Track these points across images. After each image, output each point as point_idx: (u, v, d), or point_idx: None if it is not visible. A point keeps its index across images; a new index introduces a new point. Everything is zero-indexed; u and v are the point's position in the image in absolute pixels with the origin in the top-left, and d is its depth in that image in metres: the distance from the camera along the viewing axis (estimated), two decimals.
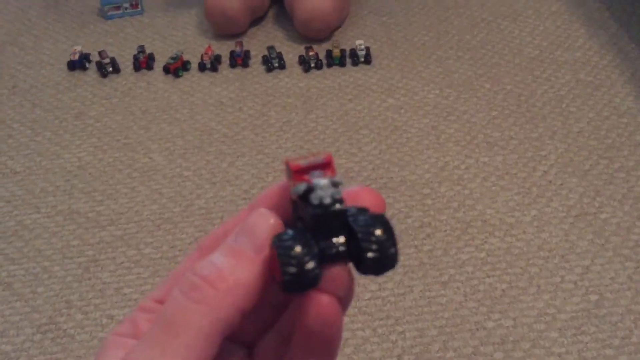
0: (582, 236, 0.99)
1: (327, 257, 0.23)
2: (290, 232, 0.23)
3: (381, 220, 0.24)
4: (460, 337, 0.87)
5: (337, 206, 0.23)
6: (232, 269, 0.23)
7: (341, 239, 0.24)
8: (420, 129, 1.19)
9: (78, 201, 1.09)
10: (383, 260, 0.24)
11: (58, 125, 1.24)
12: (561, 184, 1.08)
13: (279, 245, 0.23)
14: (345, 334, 0.88)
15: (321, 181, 0.24)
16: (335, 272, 0.23)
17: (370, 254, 0.23)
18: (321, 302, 0.23)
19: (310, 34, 1.38)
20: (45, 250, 1.02)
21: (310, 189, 0.23)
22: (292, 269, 0.22)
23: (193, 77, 1.34)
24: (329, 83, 1.30)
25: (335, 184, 0.24)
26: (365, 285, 0.94)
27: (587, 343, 0.85)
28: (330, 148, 1.16)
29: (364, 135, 1.18)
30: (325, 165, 0.24)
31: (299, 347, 0.24)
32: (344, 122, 1.21)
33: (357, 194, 0.25)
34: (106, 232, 1.04)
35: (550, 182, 1.08)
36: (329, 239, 0.23)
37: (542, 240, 0.99)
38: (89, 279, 0.98)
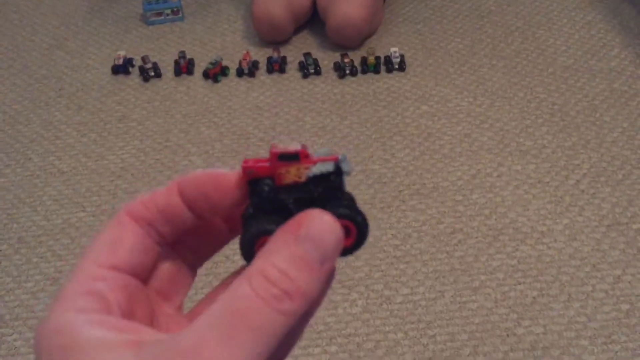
0: (614, 246, 1.00)
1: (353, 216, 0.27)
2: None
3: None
4: (491, 343, 0.89)
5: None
6: (307, 285, 0.23)
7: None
8: (453, 136, 1.21)
9: (121, 201, 1.14)
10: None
11: (102, 128, 1.29)
12: (594, 193, 1.09)
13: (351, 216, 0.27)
14: (377, 336, 0.90)
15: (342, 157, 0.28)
16: None
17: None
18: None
19: (341, 42, 1.41)
20: None
21: (336, 166, 0.27)
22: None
23: (231, 82, 1.37)
24: (364, 89, 1.33)
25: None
26: (397, 289, 0.96)
27: (617, 352, 0.87)
28: (363, 154, 1.18)
29: (397, 142, 1.21)
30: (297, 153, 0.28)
31: None
32: (377, 129, 1.24)
33: None
34: None
35: (582, 191, 1.09)
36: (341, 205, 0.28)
37: (574, 249, 1.00)
38: None
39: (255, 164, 0.27)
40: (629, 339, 0.88)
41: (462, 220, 1.05)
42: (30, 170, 1.21)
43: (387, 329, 0.91)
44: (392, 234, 1.04)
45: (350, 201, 0.28)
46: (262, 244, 0.25)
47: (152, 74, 1.39)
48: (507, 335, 0.89)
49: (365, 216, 0.27)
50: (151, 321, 0.27)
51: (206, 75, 1.38)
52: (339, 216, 0.26)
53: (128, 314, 0.25)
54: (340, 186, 0.28)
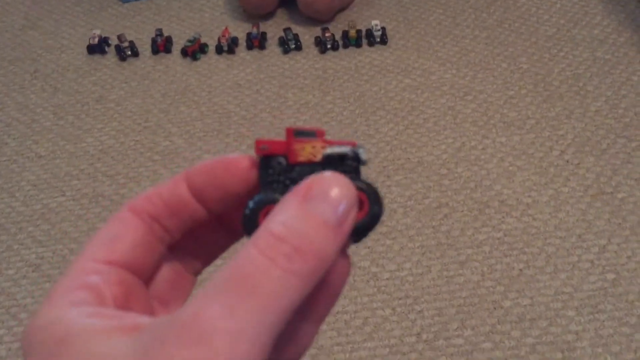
0: (599, 215, 1.00)
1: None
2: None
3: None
4: (478, 316, 0.89)
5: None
6: (321, 243, 0.21)
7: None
8: (437, 109, 1.20)
9: (102, 184, 1.12)
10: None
11: (80, 109, 1.26)
12: (578, 164, 1.08)
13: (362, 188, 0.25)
14: (364, 313, 0.90)
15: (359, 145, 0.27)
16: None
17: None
18: (349, 258, 0.24)
19: (313, 15, 1.38)
20: (71, 232, 1.05)
21: (354, 151, 0.26)
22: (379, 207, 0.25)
23: (210, 59, 1.35)
24: (345, 64, 1.31)
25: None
26: (383, 265, 0.95)
27: (603, 321, 0.87)
28: (347, 129, 1.17)
29: (381, 117, 1.19)
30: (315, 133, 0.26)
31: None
32: (360, 104, 1.22)
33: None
34: None
35: (567, 161, 1.09)
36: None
37: (559, 220, 1.00)
38: None
39: (269, 140, 0.25)
40: (615, 307, 0.88)
41: (448, 195, 1.05)
42: (7, 155, 1.19)
43: (375, 305, 0.91)
44: None
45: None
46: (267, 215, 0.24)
47: (129, 53, 1.36)
48: (495, 308, 0.90)
49: (381, 195, 0.26)
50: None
51: (184, 53, 1.35)
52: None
53: (124, 308, 0.23)
54: (356, 172, 0.26)
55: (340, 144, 0.26)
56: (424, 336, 0.87)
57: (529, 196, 1.04)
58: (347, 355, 0.86)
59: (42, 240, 1.04)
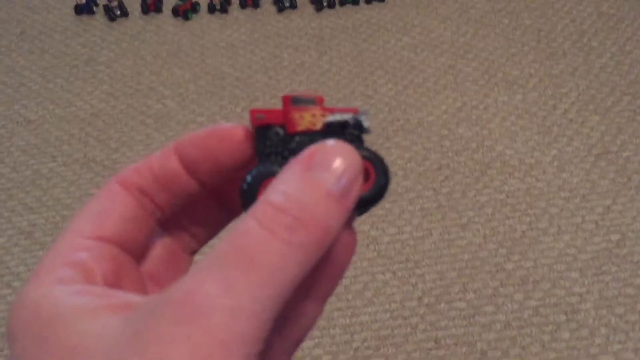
0: (604, 175, 0.98)
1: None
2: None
3: None
4: (480, 279, 0.87)
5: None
6: (324, 213, 0.19)
7: None
8: (437, 68, 1.16)
9: (93, 149, 1.09)
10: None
11: (69, 72, 1.22)
12: (582, 122, 1.06)
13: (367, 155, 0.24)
14: (365, 278, 0.88)
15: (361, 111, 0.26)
16: None
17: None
18: (354, 231, 0.23)
19: None
20: (63, 199, 1.02)
21: (355, 119, 0.24)
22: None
23: (202, 19, 1.30)
24: (342, 22, 1.27)
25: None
26: (384, 229, 0.94)
27: (608, 282, 0.86)
28: (344, 90, 1.14)
29: (379, 77, 1.16)
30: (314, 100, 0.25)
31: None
32: (358, 63, 1.19)
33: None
34: None
35: (571, 120, 1.06)
36: None
37: (563, 180, 0.98)
38: None
39: (265, 110, 0.24)
40: (620, 269, 0.87)
41: (449, 156, 1.02)
42: None
43: (375, 269, 0.89)
44: None
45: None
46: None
47: (118, 12, 1.31)
48: (497, 270, 0.88)
49: (387, 165, 0.24)
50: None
51: (176, 12, 1.30)
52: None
53: (115, 286, 0.22)
54: (358, 140, 0.24)
55: (341, 111, 0.24)
56: (426, 300, 0.86)
57: (532, 156, 1.01)
58: (348, 320, 0.84)
59: (34, 207, 1.02)
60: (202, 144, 0.23)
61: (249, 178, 0.23)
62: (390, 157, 1.03)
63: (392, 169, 1.01)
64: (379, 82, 1.15)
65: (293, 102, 0.24)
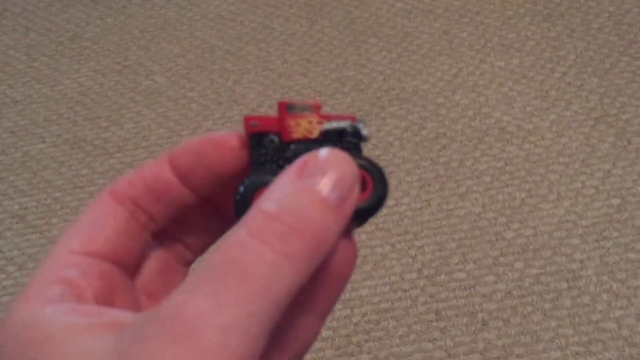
0: (604, 139, 0.96)
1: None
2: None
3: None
4: (480, 249, 0.86)
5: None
6: (320, 220, 0.18)
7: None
8: (431, 34, 1.14)
9: (83, 129, 1.07)
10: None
11: (54, 50, 1.19)
12: (581, 85, 1.03)
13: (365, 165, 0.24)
14: (363, 251, 0.87)
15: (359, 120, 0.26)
16: None
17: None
18: (354, 243, 0.22)
19: None
20: (54, 180, 1.01)
21: (353, 126, 0.24)
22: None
23: None
24: None
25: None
26: None
27: (609, 248, 0.85)
28: (337, 60, 1.11)
29: (373, 45, 1.13)
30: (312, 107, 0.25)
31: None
32: (351, 32, 1.16)
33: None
34: (114, 159, 1.02)
35: (569, 83, 1.04)
36: None
37: (562, 145, 0.96)
38: None
39: (260, 117, 0.24)
40: (621, 234, 0.86)
41: (445, 124, 1.00)
42: None
43: (374, 243, 0.88)
44: (372, 144, 0.99)
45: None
46: None
47: None
48: (497, 239, 0.87)
49: (386, 174, 0.25)
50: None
51: None
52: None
53: (106, 303, 0.21)
54: (356, 148, 0.24)
55: (338, 118, 0.24)
56: (425, 272, 0.85)
57: (530, 122, 0.99)
58: (348, 295, 0.83)
59: (25, 189, 1.00)
60: (196, 152, 0.22)
61: (241, 188, 0.22)
62: (386, 128, 1.01)
63: (388, 139, 0.99)
64: (372, 51, 1.12)
65: (288, 108, 0.24)
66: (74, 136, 1.06)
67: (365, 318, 0.81)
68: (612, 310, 0.79)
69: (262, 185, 0.22)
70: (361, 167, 0.23)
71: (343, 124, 0.24)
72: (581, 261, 0.84)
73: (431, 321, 0.80)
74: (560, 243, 0.86)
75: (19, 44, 1.21)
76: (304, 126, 0.23)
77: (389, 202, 0.92)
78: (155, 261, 0.24)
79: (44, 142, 1.06)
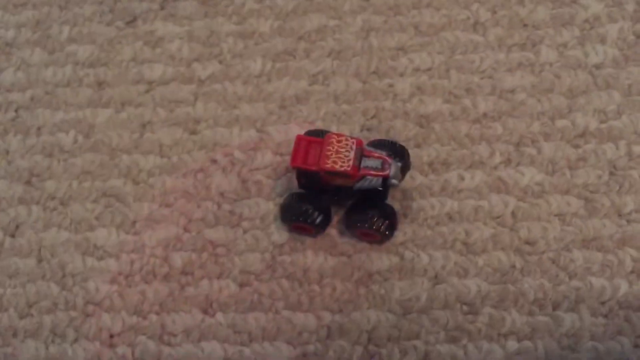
0: None
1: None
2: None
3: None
4: None
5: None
6: None
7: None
8: None
9: None
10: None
11: None
12: None
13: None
14: None
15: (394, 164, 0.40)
16: None
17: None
18: None
19: None
20: None
21: (385, 184, 0.39)
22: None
23: None
24: None
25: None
26: None
27: None
28: None
29: None
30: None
31: None
32: None
33: None
34: None
35: None
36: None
37: None
38: None
39: (303, 163, 0.40)
40: None
41: None
42: None
43: None
44: None
45: (387, 212, 0.41)
46: (297, 228, 0.44)
47: None
48: None
49: (397, 219, 0.42)
50: None
51: None
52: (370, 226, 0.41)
53: None
54: (383, 198, 0.39)
55: (374, 175, 0.38)
56: None
57: None
58: None
59: None
60: None
61: (287, 215, 0.45)
62: None
63: None
64: None
65: (328, 174, 0.39)
66: None
67: None
68: None
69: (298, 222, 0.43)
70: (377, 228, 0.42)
71: (375, 183, 0.37)
72: None
73: None
74: None
75: None
76: (340, 181, 0.39)
77: None
78: None
79: None
